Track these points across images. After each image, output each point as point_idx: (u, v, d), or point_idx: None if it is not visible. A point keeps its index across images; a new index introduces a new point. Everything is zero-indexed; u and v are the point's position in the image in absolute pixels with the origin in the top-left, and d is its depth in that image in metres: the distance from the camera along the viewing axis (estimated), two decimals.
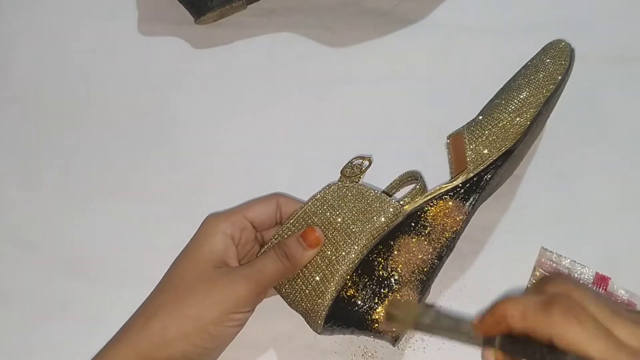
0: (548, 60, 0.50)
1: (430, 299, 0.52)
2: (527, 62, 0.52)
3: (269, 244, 0.47)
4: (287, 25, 0.60)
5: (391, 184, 0.51)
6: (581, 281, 0.51)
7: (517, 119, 0.48)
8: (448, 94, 0.57)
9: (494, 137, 0.48)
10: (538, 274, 0.51)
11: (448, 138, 0.51)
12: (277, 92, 0.59)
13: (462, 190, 0.48)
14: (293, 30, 0.60)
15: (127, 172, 0.57)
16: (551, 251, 0.52)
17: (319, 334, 0.47)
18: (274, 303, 0.49)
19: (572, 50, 0.51)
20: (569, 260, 0.52)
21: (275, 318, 0.51)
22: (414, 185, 0.49)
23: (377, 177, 0.51)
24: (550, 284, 0.35)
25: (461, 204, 0.48)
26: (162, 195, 0.56)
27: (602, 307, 0.33)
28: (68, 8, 0.61)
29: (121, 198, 0.56)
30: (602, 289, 0.51)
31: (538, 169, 0.55)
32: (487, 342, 0.37)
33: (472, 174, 0.48)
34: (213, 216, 0.46)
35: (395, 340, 0.46)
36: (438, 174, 0.52)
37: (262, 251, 0.47)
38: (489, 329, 0.37)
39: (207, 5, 0.57)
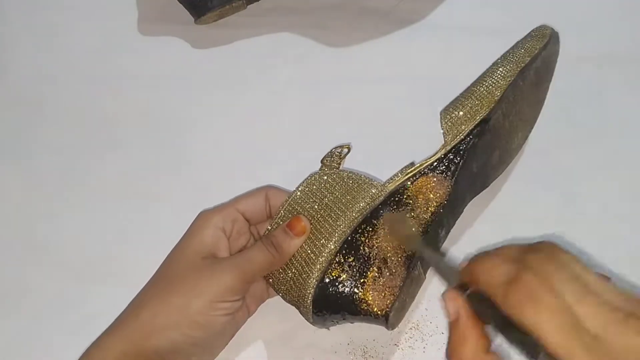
0: (528, 40, 0.51)
1: (428, 299, 0.52)
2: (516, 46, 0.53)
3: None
4: (287, 25, 0.60)
5: (391, 178, 0.50)
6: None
7: (492, 89, 0.49)
8: (448, 94, 0.57)
9: (468, 108, 0.48)
10: None
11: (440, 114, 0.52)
12: (277, 92, 0.59)
13: (443, 164, 0.48)
14: (293, 30, 0.60)
15: (127, 172, 0.57)
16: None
17: (312, 324, 0.47)
18: (274, 303, 0.49)
19: (553, 32, 0.51)
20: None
21: (275, 318, 0.51)
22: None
23: (377, 177, 0.51)
24: (531, 253, 0.34)
25: (442, 177, 0.48)
26: (162, 194, 0.56)
27: (572, 285, 0.31)
28: (68, 8, 0.61)
29: (121, 198, 0.56)
30: None
31: (538, 169, 0.55)
32: (461, 288, 0.37)
33: (449, 147, 0.48)
34: (205, 210, 0.47)
35: (387, 322, 0.46)
36: None
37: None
38: (464, 278, 0.37)
39: (207, 6, 0.57)
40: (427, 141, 0.55)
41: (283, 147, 0.57)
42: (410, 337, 0.50)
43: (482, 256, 0.36)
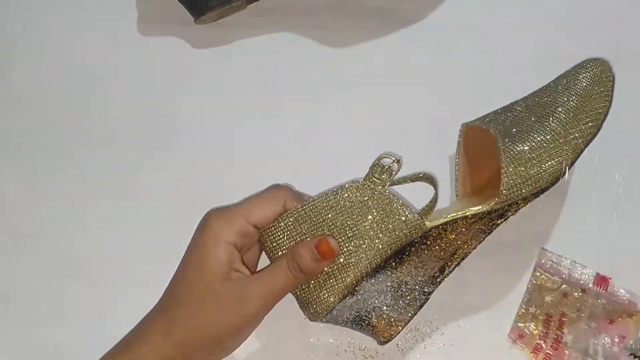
0: (595, 93, 0.48)
1: (430, 298, 0.52)
2: (568, 81, 0.50)
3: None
4: (287, 25, 0.60)
5: (401, 178, 0.49)
6: (581, 281, 0.51)
7: (558, 158, 0.46)
8: (448, 94, 0.57)
9: (533, 173, 0.45)
10: (538, 274, 0.51)
11: (463, 126, 0.50)
12: (277, 92, 0.59)
13: (486, 217, 0.46)
14: (293, 30, 0.60)
15: (127, 173, 0.57)
16: (551, 252, 0.52)
17: (309, 320, 0.47)
18: (274, 307, 0.49)
19: (613, 77, 0.50)
20: (569, 260, 0.52)
21: (275, 318, 0.51)
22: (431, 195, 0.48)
23: None
24: None
25: (481, 230, 0.47)
26: (162, 195, 0.56)
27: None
28: (68, 8, 0.61)
29: (121, 198, 0.56)
30: (603, 289, 0.50)
31: None
32: None
33: (498, 205, 0.46)
34: (215, 218, 0.45)
35: (384, 342, 0.47)
36: (438, 174, 0.52)
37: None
38: None
39: (206, 5, 0.56)
40: (428, 141, 0.56)
41: (283, 147, 0.57)
42: (411, 338, 0.50)
43: None
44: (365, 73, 0.59)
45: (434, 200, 0.49)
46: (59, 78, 0.60)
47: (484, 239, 0.47)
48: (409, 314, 0.46)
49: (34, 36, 0.61)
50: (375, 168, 0.44)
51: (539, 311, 0.50)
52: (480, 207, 0.46)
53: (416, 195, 0.50)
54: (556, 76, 0.53)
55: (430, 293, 0.47)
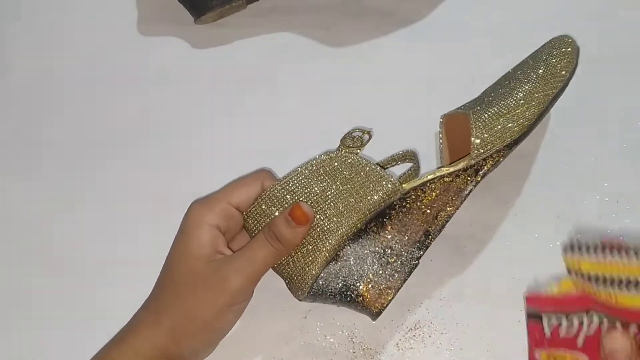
0: (556, 54, 0.50)
1: (428, 299, 0.52)
2: (533, 55, 0.52)
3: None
4: (287, 25, 0.60)
5: (385, 159, 0.51)
6: None
7: (525, 112, 0.48)
8: (448, 94, 0.57)
9: (499, 127, 0.47)
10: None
11: (442, 117, 0.51)
12: (277, 92, 0.59)
13: (462, 175, 0.48)
14: (293, 30, 0.60)
15: (127, 172, 0.57)
16: None
17: (298, 300, 0.47)
18: (274, 304, 0.49)
19: (578, 48, 0.51)
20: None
21: (275, 318, 0.51)
22: (410, 165, 0.50)
23: None
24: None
25: (459, 188, 0.48)
26: (161, 194, 0.56)
27: None
28: (68, 8, 0.61)
29: (121, 198, 0.56)
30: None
31: (539, 169, 0.55)
32: None
33: (474, 161, 0.47)
34: (197, 204, 0.45)
35: (376, 316, 0.47)
36: None
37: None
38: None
39: (206, 5, 0.57)
40: (427, 141, 0.56)
41: (283, 146, 0.57)
42: (411, 337, 0.50)
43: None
44: (365, 73, 0.59)
45: (415, 168, 0.50)
46: (58, 78, 0.60)
47: (465, 198, 0.47)
48: (398, 281, 0.46)
49: (33, 36, 0.61)
50: (346, 139, 0.47)
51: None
52: (452, 165, 0.48)
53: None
54: None
55: (418, 258, 0.47)
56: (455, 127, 0.51)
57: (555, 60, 0.50)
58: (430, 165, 0.54)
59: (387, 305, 0.46)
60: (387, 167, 0.50)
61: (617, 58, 0.57)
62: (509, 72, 0.53)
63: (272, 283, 0.52)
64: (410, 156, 0.51)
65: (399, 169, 0.52)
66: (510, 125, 0.48)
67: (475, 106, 0.50)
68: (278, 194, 0.46)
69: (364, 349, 0.50)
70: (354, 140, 0.47)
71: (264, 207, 0.46)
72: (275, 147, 0.57)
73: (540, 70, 0.49)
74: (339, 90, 0.58)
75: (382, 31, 0.59)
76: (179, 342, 0.43)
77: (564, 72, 0.49)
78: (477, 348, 0.51)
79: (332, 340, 0.51)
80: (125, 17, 0.60)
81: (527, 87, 0.49)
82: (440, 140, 0.51)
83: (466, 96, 0.56)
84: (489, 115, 0.48)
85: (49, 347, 0.52)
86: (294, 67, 0.59)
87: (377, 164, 0.49)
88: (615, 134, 0.56)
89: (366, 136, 0.47)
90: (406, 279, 0.47)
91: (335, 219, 0.45)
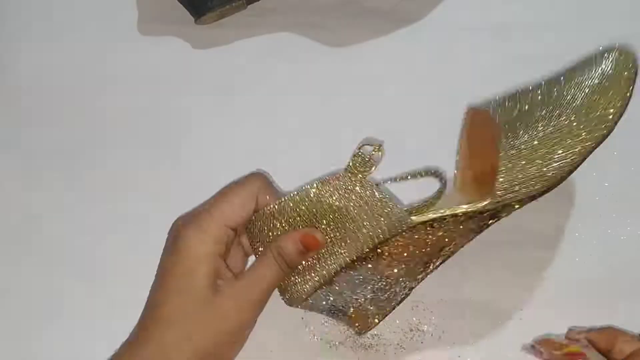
0: (609, 88, 0.43)
1: (427, 299, 0.52)
2: (583, 74, 0.46)
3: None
4: (287, 25, 0.60)
5: (404, 174, 0.48)
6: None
7: (564, 167, 0.42)
8: (448, 94, 0.57)
9: (534, 170, 0.42)
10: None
11: (468, 110, 0.47)
12: (277, 92, 0.59)
13: (477, 216, 0.44)
14: (293, 30, 0.60)
15: (127, 172, 0.57)
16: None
17: (288, 305, 0.46)
18: (273, 303, 0.49)
19: (636, 71, 0.44)
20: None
21: (274, 317, 0.51)
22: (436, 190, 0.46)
23: (373, 177, 0.51)
24: None
25: (469, 229, 0.44)
26: (161, 195, 0.56)
27: None
28: (68, 8, 0.61)
29: (121, 198, 0.56)
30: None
31: None
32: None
33: (492, 207, 0.43)
34: (192, 232, 0.42)
35: (361, 332, 0.47)
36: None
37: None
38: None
39: (207, 5, 0.57)
40: (427, 141, 0.56)
41: (283, 147, 0.57)
42: (411, 338, 0.50)
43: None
44: (365, 73, 0.59)
45: (441, 190, 0.47)
46: (58, 78, 0.60)
47: (473, 238, 0.45)
48: (388, 309, 0.46)
49: (33, 36, 0.61)
50: (356, 158, 0.42)
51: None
52: (471, 206, 0.43)
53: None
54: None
55: (411, 289, 0.46)
56: (479, 123, 0.47)
57: (605, 100, 0.43)
58: (432, 163, 0.53)
59: (372, 328, 0.46)
60: (404, 180, 0.48)
61: None
62: (552, 80, 0.47)
63: None
64: (436, 175, 0.48)
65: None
66: (540, 176, 0.42)
67: (508, 121, 0.44)
68: (281, 211, 0.43)
69: (365, 349, 0.50)
70: (365, 160, 0.41)
71: (268, 223, 0.43)
72: (275, 148, 0.57)
73: (598, 113, 0.43)
74: (339, 90, 0.58)
75: (382, 31, 0.59)
76: None
77: (611, 117, 0.43)
78: (477, 347, 0.51)
79: (332, 339, 0.51)
80: (125, 17, 0.60)
81: (572, 119, 0.42)
82: (461, 136, 0.48)
83: (466, 96, 0.56)
84: (521, 150, 0.42)
85: (48, 346, 0.52)
86: (294, 67, 0.59)
87: (395, 177, 0.47)
88: (615, 134, 0.56)
89: (378, 154, 0.42)
90: (395, 308, 0.46)
91: (336, 245, 0.43)
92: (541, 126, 0.43)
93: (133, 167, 0.57)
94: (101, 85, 0.59)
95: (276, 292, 0.48)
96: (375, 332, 0.51)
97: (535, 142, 0.43)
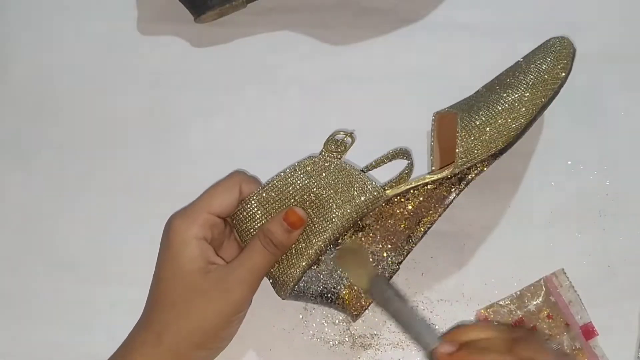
0: (550, 60, 0.49)
1: (427, 297, 0.52)
2: (528, 57, 0.51)
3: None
4: (286, 24, 0.60)
5: (379, 158, 0.51)
6: (575, 318, 0.51)
7: (512, 123, 0.47)
8: (448, 94, 0.57)
9: (486, 137, 0.47)
10: (544, 289, 0.51)
11: (434, 115, 0.51)
12: (277, 91, 0.59)
13: (445, 183, 0.47)
14: (293, 29, 0.60)
15: (127, 172, 0.57)
16: (568, 279, 0.52)
17: (283, 299, 0.47)
18: (273, 302, 0.49)
19: (574, 52, 0.50)
20: (577, 295, 0.51)
21: (274, 316, 0.51)
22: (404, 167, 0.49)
23: (376, 177, 0.51)
24: (520, 344, 0.40)
25: (442, 196, 0.47)
26: (161, 194, 0.56)
27: None
28: (68, 8, 0.61)
29: (121, 197, 0.56)
30: (585, 337, 0.50)
31: (538, 169, 0.55)
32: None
33: (457, 170, 0.47)
34: (178, 219, 0.45)
35: (355, 317, 0.47)
36: None
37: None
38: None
39: (206, 4, 0.56)
40: (427, 141, 0.56)
41: (283, 146, 0.57)
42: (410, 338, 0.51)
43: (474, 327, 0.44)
44: (365, 72, 0.59)
45: (409, 167, 0.49)
46: (58, 77, 0.59)
47: (448, 206, 0.48)
48: None
49: (33, 36, 0.61)
50: (329, 143, 0.47)
51: (518, 311, 0.50)
52: (437, 172, 0.48)
53: None
54: None
55: (398, 263, 0.47)
56: (447, 126, 0.51)
57: (547, 66, 0.49)
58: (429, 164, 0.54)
59: (366, 308, 0.47)
60: (381, 165, 0.50)
61: (617, 58, 0.57)
62: (502, 73, 0.52)
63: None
64: (404, 153, 0.51)
65: (393, 168, 0.51)
66: (496, 135, 0.47)
67: (464, 109, 0.49)
68: (263, 200, 0.46)
69: (365, 349, 0.51)
70: (338, 144, 0.46)
71: (250, 211, 0.46)
72: (274, 146, 0.57)
73: (531, 77, 0.49)
74: (339, 89, 0.58)
75: (382, 30, 0.59)
76: (186, 356, 0.43)
77: (556, 79, 0.49)
78: None
79: (332, 339, 0.51)
80: (125, 17, 0.60)
81: (516, 96, 0.48)
82: (432, 139, 0.51)
83: (465, 96, 0.56)
84: (475, 124, 0.47)
85: (47, 346, 0.52)
86: (294, 66, 0.59)
87: (372, 162, 0.50)
88: (616, 134, 0.56)
89: (349, 139, 0.47)
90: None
91: (318, 223, 0.45)
92: (490, 104, 0.48)
93: (133, 165, 0.57)
94: (101, 84, 0.59)
95: (272, 292, 0.48)
96: (375, 332, 0.51)
97: (484, 117, 0.48)
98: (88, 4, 0.61)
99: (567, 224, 0.54)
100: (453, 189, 0.47)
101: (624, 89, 0.56)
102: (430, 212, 0.47)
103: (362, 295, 0.46)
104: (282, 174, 0.46)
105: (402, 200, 0.47)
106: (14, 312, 0.54)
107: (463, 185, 0.47)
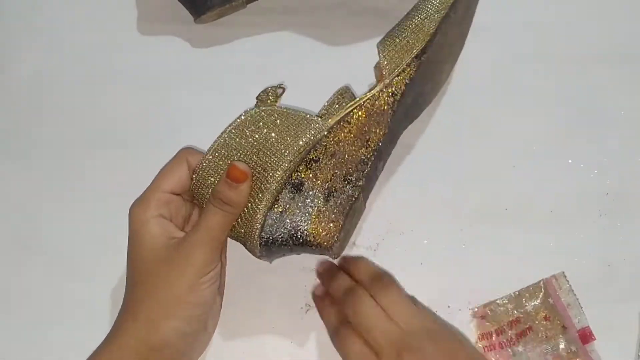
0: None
1: (429, 296, 0.52)
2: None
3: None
4: (286, 24, 0.60)
5: (328, 104, 0.51)
6: (573, 321, 0.51)
7: (427, 22, 0.48)
8: (448, 94, 0.57)
9: (404, 42, 0.48)
10: (542, 291, 0.51)
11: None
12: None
13: (381, 96, 0.48)
14: (293, 29, 0.60)
15: (127, 172, 0.57)
16: (567, 282, 0.52)
17: (258, 258, 0.48)
18: (272, 299, 0.49)
19: None
20: (575, 298, 0.51)
21: (275, 316, 0.51)
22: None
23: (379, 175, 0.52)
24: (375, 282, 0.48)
25: (382, 110, 0.48)
26: None
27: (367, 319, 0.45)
28: (68, 8, 0.61)
29: (121, 197, 0.56)
30: (582, 341, 0.50)
31: (538, 167, 0.55)
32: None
33: (387, 80, 0.48)
34: (135, 206, 0.46)
35: (335, 255, 0.48)
36: (438, 173, 0.52)
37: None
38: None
39: (206, 5, 0.56)
40: (426, 139, 0.56)
41: None
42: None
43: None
44: (365, 72, 0.58)
45: (342, 96, 0.50)
46: (58, 77, 0.60)
47: (390, 119, 0.48)
48: (343, 214, 0.47)
49: (33, 35, 0.61)
50: (261, 96, 0.49)
51: (515, 310, 0.50)
52: (369, 92, 0.48)
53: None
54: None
55: (358, 187, 0.47)
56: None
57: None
58: (431, 165, 0.54)
59: (338, 240, 0.47)
60: (334, 114, 0.50)
61: (617, 58, 0.57)
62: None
63: (272, 282, 0.52)
64: (345, 92, 0.51)
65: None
66: (413, 37, 0.48)
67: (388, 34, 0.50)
68: (211, 163, 0.47)
69: None
70: (269, 94, 0.48)
71: (201, 179, 0.47)
72: None
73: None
74: None
75: (382, 31, 0.59)
76: (159, 328, 0.43)
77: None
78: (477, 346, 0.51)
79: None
80: (125, 17, 0.60)
81: (422, 5, 0.49)
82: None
83: (465, 95, 0.56)
84: (390, 36, 0.49)
85: (47, 345, 0.53)
86: (294, 66, 0.59)
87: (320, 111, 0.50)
88: (616, 134, 0.56)
89: (280, 90, 0.49)
90: (350, 210, 0.47)
91: (269, 166, 0.46)
92: (406, 15, 0.50)
93: (133, 165, 0.57)
94: (101, 84, 0.59)
95: (272, 292, 0.48)
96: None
97: (397, 30, 0.49)
98: (88, 4, 0.61)
99: (567, 224, 0.54)
100: (390, 100, 0.48)
101: (624, 89, 0.56)
102: (375, 128, 0.48)
103: (330, 222, 0.46)
104: (223, 134, 0.47)
105: (345, 125, 0.48)
106: (14, 312, 0.54)
107: (399, 95, 0.48)
